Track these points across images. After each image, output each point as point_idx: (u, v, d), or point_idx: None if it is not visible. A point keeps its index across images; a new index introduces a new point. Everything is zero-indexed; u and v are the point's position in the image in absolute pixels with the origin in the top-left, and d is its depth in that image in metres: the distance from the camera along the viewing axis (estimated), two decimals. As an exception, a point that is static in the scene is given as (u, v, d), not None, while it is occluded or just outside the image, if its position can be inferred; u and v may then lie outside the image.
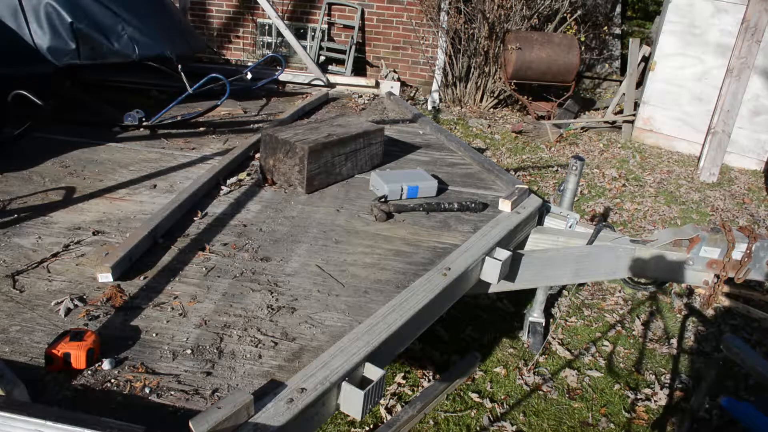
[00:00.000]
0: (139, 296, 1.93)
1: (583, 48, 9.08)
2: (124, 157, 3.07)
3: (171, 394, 1.53)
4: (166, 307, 1.89)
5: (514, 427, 3.11)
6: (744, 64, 7.03)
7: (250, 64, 6.06)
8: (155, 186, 2.76)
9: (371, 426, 2.99)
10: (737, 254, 2.68)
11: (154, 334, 1.76)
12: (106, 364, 1.59)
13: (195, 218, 2.49)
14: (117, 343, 1.69)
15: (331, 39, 9.55)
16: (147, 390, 1.53)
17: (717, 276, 2.76)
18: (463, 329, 3.82)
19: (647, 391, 3.47)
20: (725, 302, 4.42)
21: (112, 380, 1.55)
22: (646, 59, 8.75)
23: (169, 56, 3.88)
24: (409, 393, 3.24)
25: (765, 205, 6.51)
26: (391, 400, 3.17)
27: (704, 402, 2.66)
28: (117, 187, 2.71)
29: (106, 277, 1.96)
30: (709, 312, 4.34)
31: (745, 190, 6.93)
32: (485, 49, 8.55)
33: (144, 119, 3.48)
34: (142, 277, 2.03)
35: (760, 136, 7.55)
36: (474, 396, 3.28)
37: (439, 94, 8.94)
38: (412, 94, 9.25)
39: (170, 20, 4.21)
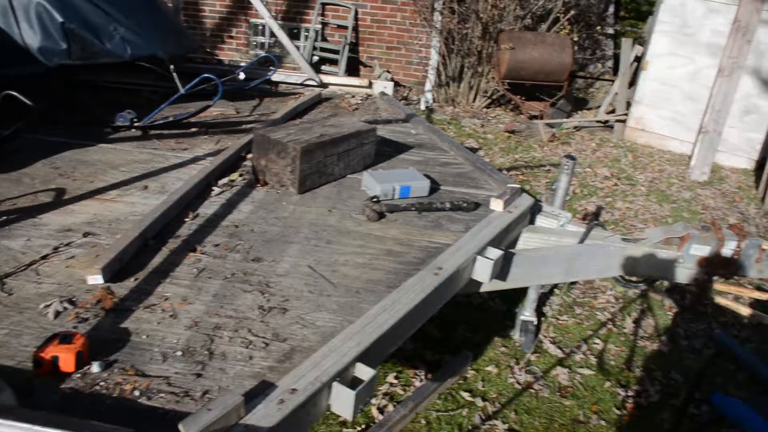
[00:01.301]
0: (129, 298, 1.93)
1: (576, 48, 9.08)
2: (115, 158, 3.06)
3: (161, 397, 1.53)
4: (156, 308, 1.89)
5: (506, 426, 3.12)
6: (735, 64, 7.06)
7: (243, 64, 6.05)
8: (146, 187, 2.74)
9: (363, 426, 2.99)
10: (727, 252, 2.70)
11: (144, 336, 1.75)
12: (95, 367, 1.58)
13: (186, 219, 2.48)
14: (106, 345, 1.69)
15: (324, 39, 9.54)
16: (137, 392, 1.53)
17: (707, 273, 2.77)
18: (455, 328, 3.82)
19: (638, 388, 3.49)
20: (715, 299, 4.44)
21: (102, 383, 1.54)
22: (638, 59, 8.76)
23: (162, 56, 3.86)
24: (401, 393, 3.24)
25: (755, 204, 6.54)
26: (383, 400, 3.17)
27: (693, 398, 2.67)
28: (108, 189, 2.69)
29: (96, 279, 1.95)
30: (700, 309, 4.35)
31: (736, 188, 6.96)
32: (478, 48, 8.55)
33: (136, 120, 3.47)
34: (132, 279, 2.03)
35: (750, 135, 7.58)
36: (466, 395, 3.28)
37: (433, 94, 8.94)
38: (405, 94, 9.24)
39: (163, 20, 4.19)
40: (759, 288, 4.68)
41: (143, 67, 4.24)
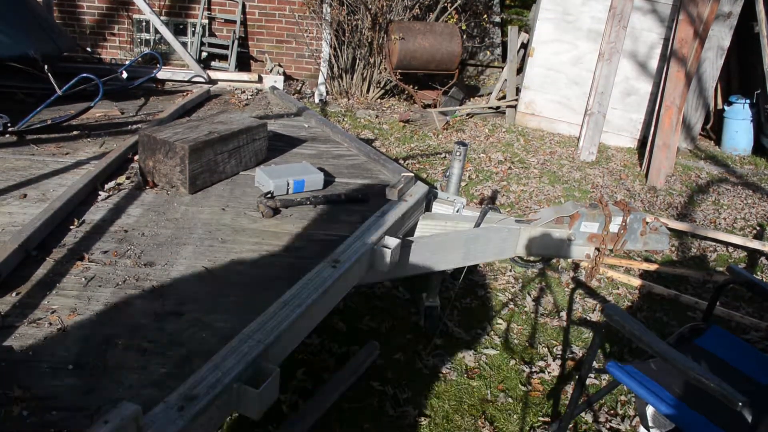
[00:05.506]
0: (11, 314, 1.82)
1: (464, 36, 9.29)
2: (-12, 166, 2.87)
3: (52, 415, 1.45)
4: (43, 322, 1.79)
5: (416, 411, 3.17)
6: (613, 49, 7.46)
7: (127, 62, 5.81)
8: (25, 195, 2.59)
9: (275, 424, 2.96)
10: (614, 227, 2.85)
11: (30, 353, 1.66)
12: (-25, 390, 1.49)
13: (71, 227, 2.37)
14: (-12, 366, 1.59)
15: (212, 34, 9.31)
16: (24, 413, 1.45)
17: (597, 249, 2.92)
18: (361, 319, 3.84)
19: (541, 363, 3.62)
20: (608, 273, 4.69)
21: (-16, 406, 1.45)
22: (525, 46, 9.08)
23: (34, 56, 3.64)
24: (311, 388, 3.23)
25: (639, 180, 6.93)
26: (292, 396, 3.15)
27: (591, 368, 2.81)
28: (-19, 199, 2.53)
29: (-28, 296, 1.84)
30: (594, 283, 4.58)
31: (621, 166, 7.36)
32: (369, 40, 8.60)
33: (9, 124, 3.26)
34: (14, 294, 1.91)
35: (631, 115, 8.03)
36: (375, 384, 3.31)
37: (326, 87, 8.91)
38: (298, 88, 9.17)
39: (32, 17, 3.94)
40: (647, 259, 4.98)
41: (14, 68, 3.99)
